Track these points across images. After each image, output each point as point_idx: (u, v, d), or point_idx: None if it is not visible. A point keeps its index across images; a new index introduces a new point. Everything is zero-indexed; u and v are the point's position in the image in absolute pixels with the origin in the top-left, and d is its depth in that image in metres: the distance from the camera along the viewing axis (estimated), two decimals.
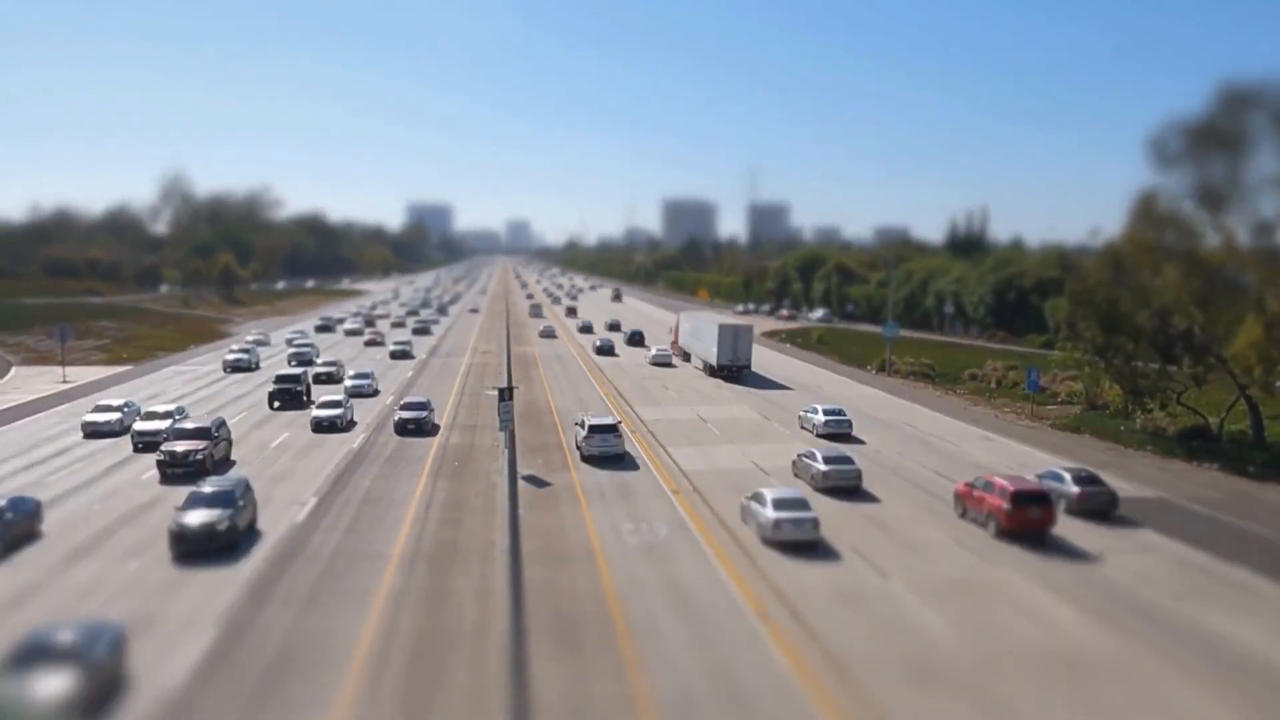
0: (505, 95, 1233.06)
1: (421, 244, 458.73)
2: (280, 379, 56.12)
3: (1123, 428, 49.13)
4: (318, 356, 77.85)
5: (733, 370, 70.29)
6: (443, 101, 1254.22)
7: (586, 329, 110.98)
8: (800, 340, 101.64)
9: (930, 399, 62.50)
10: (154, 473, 36.85)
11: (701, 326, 77.37)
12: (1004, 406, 58.84)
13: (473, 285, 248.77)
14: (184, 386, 64.57)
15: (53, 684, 17.28)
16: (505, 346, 74.76)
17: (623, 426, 45.00)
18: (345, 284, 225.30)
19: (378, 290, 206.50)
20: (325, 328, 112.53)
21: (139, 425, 43.40)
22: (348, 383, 60.20)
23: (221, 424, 40.93)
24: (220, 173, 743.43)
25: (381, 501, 33.84)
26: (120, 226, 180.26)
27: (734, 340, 70.59)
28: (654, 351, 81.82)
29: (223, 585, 25.01)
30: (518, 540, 26.49)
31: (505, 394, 39.22)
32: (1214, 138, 42.38)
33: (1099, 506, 33.16)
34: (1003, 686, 19.78)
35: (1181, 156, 43.11)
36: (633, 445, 43.76)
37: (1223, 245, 43.56)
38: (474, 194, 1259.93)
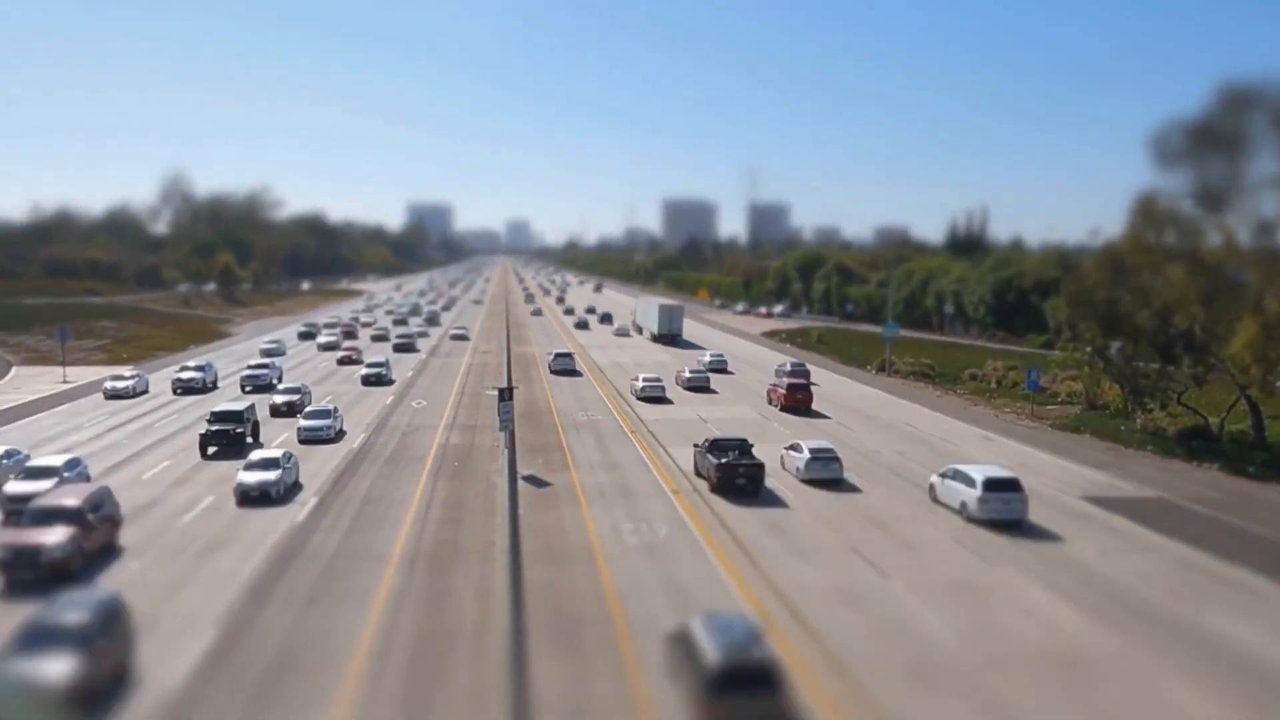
0: (505, 95, 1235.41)
1: (421, 244, 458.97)
2: (216, 416, 42.92)
3: (1123, 428, 49.13)
4: (279, 380, 63.43)
5: (668, 338, 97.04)
6: (443, 101, 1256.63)
7: (569, 311, 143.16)
8: (800, 340, 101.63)
9: (930, 399, 62.50)
10: None
11: (648, 308, 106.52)
12: (1004, 406, 58.85)
13: (470, 289, 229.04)
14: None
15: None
16: (505, 347, 74.84)
17: (577, 355, 79.48)
18: (344, 284, 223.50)
19: (378, 291, 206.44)
20: (309, 334, 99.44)
21: (11, 486, 32.07)
22: (301, 423, 45.08)
23: (101, 501, 27.90)
24: (220, 173, 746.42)
25: (381, 501, 33.84)
26: (120, 227, 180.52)
27: (669, 316, 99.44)
28: (616, 325, 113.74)
29: (223, 585, 25.02)
30: (518, 540, 26.49)
31: (505, 394, 39.24)
32: (1214, 138, 42.40)
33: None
34: (1002, 685, 19.78)
35: (1181, 156, 43.16)
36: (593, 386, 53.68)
37: (1223, 245, 43.57)
38: (474, 194, 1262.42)
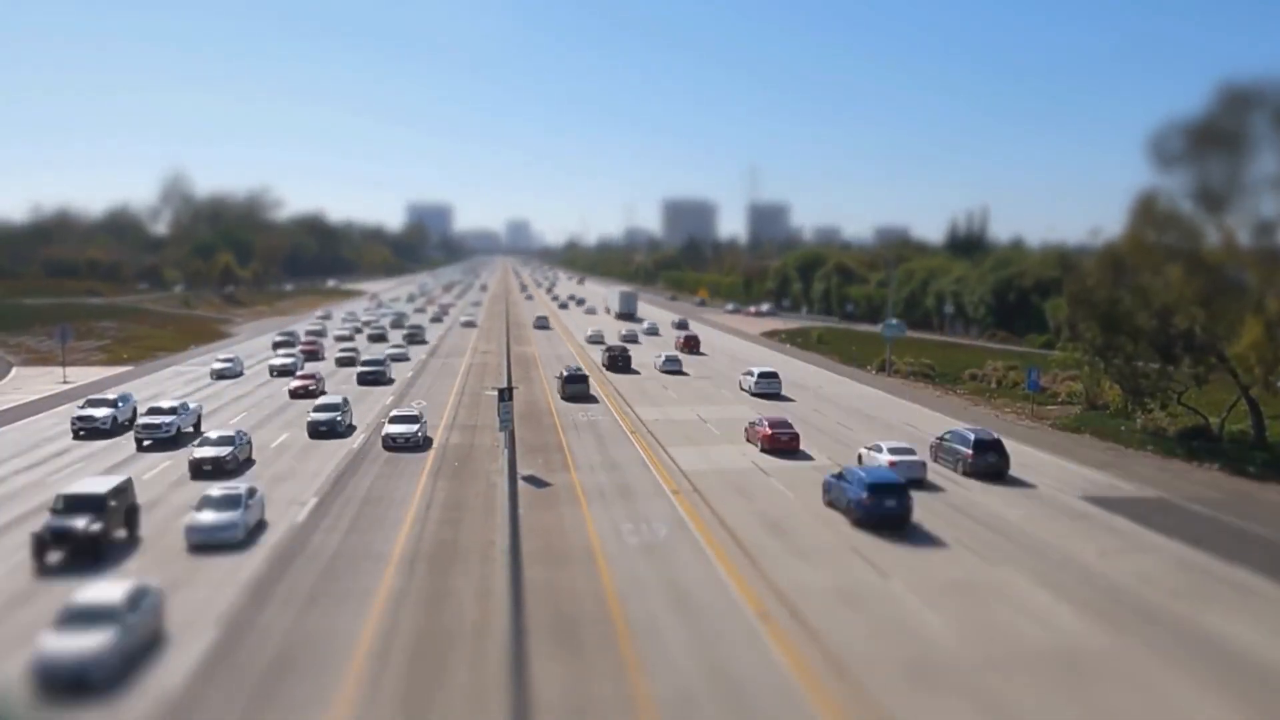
0: (505, 95, 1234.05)
1: (421, 244, 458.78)
2: (63, 505, 27.48)
3: (1123, 428, 49.13)
4: (193, 426, 46.04)
5: (625, 314, 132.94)
6: (443, 101, 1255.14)
7: (555, 299, 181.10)
8: (800, 340, 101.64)
9: (930, 399, 62.49)
10: None
11: (613, 294, 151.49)
12: (1004, 406, 58.85)
13: (466, 292, 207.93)
14: None
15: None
16: (505, 347, 74.89)
17: (552, 319, 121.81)
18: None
19: (378, 290, 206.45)
20: (286, 343, 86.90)
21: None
22: (190, 520, 28.74)
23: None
24: (220, 173, 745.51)
25: (382, 501, 33.85)
26: (120, 227, 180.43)
27: (626, 300, 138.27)
28: (586, 306, 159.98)
29: (223, 585, 25.03)
30: (518, 540, 26.53)
31: (505, 394, 39.25)
32: (1214, 138, 42.38)
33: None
34: (1002, 686, 19.77)
35: (1182, 156, 43.15)
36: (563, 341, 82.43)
37: (1223, 245, 43.57)
38: (474, 194, 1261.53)
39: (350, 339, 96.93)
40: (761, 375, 63.39)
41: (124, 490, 29.17)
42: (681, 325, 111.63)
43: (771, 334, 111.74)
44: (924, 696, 19.29)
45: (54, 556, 26.57)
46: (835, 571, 26.93)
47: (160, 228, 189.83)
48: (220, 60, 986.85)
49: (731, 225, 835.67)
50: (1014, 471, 38.94)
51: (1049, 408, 57.39)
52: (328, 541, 29.09)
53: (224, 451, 37.67)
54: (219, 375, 68.18)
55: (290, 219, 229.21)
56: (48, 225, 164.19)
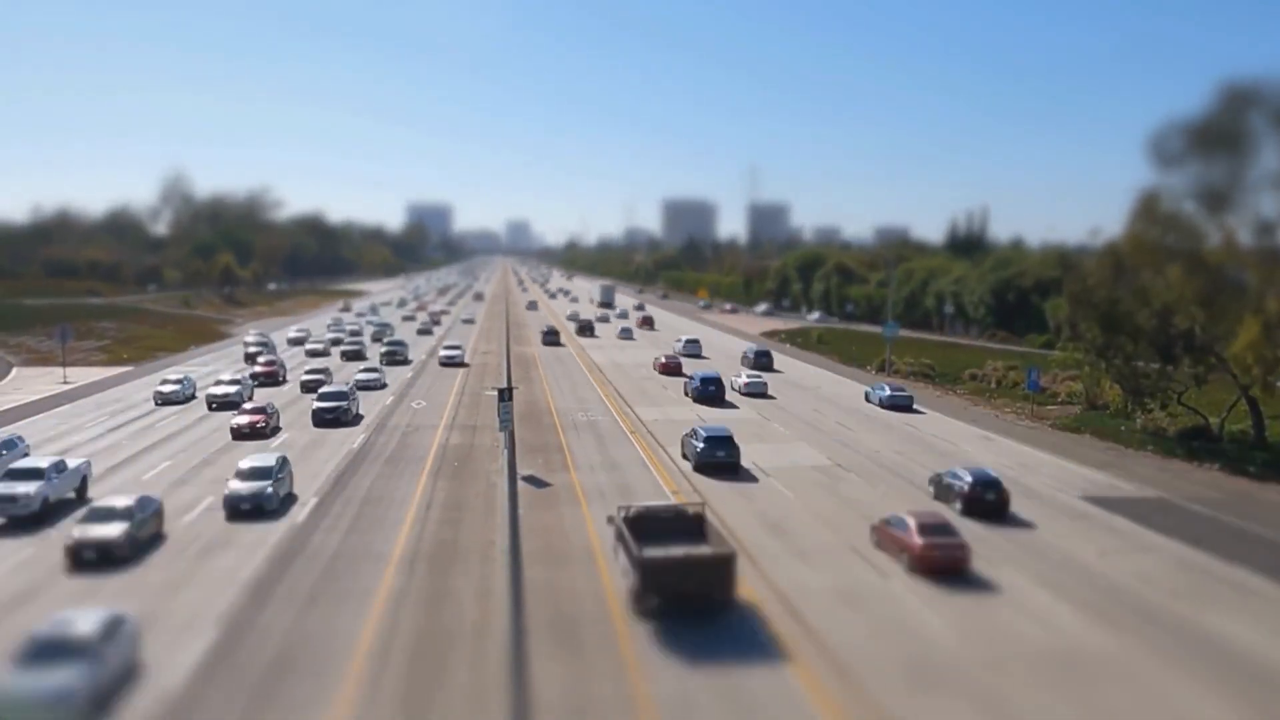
0: (505, 95, 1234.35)
1: (421, 244, 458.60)
2: None
3: (1123, 428, 49.13)
4: (75, 486, 33.77)
5: (605, 303, 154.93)
6: (442, 102, 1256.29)
7: (547, 291, 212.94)
8: (800, 340, 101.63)
9: (930, 399, 62.48)
10: None
11: (595, 286, 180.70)
12: (1004, 406, 58.85)
13: (464, 294, 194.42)
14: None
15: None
16: (505, 348, 74.89)
17: (541, 304, 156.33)
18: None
19: (378, 291, 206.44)
20: (255, 356, 76.07)
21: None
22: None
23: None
24: (220, 173, 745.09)
25: (381, 501, 33.84)
26: (121, 227, 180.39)
27: (606, 291, 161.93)
28: (572, 295, 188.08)
29: (223, 585, 25.02)
30: (518, 540, 26.51)
31: (505, 394, 39.25)
32: (1215, 137, 42.35)
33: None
34: (1002, 686, 19.77)
35: (1183, 156, 43.13)
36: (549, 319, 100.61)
37: (1223, 245, 43.56)
38: (474, 194, 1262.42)
39: (324, 353, 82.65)
40: (688, 341, 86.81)
41: None
42: (640, 308, 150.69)
43: (771, 334, 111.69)
44: (924, 697, 19.29)
45: None
46: (835, 571, 26.92)
47: (160, 228, 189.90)
48: (220, 60, 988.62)
49: (731, 225, 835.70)
50: (1014, 472, 38.88)
51: (1049, 408, 57.39)
52: (328, 541, 29.08)
53: (114, 532, 26.60)
54: (164, 400, 55.58)
55: (290, 219, 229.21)
56: (48, 225, 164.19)
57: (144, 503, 28.72)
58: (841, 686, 19.64)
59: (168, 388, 56.77)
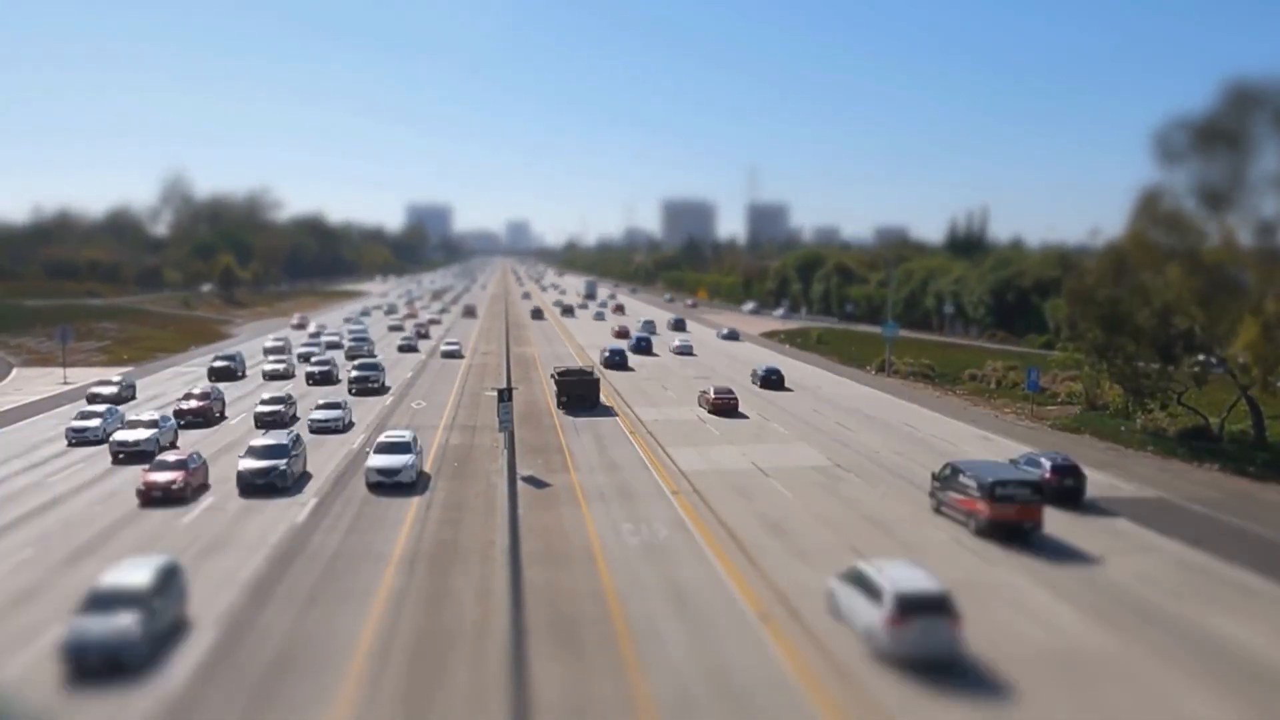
0: (505, 96, 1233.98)
1: (421, 245, 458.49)
2: None
3: (1123, 428, 49.12)
4: None
5: (588, 295, 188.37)
6: (442, 102, 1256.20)
7: (540, 285, 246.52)
8: (800, 340, 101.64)
9: (930, 399, 62.49)
10: None
11: (581, 281, 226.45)
12: (1004, 407, 58.84)
13: (460, 298, 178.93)
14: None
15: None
16: (505, 348, 74.92)
17: (534, 294, 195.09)
18: (348, 287, 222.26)
19: (377, 291, 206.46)
20: (223, 372, 66.22)
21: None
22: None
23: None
24: (220, 174, 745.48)
25: (381, 501, 33.84)
26: (121, 228, 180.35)
27: (590, 285, 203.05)
28: (560, 288, 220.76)
29: (224, 585, 25.02)
30: (518, 540, 26.51)
31: (505, 395, 39.26)
32: (1218, 136, 42.33)
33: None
34: (1002, 686, 19.76)
35: (1185, 154, 43.08)
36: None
37: (1223, 245, 43.56)
38: (473, 195, 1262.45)
39: (285, 375, 68.08)
40: (645, 321, 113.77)
41: None
42: (613, 297, 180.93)
43: (771, 334, 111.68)
44: (924, 698, 19.28)
45: None
46: (835, 572, 26.91)
47: (160, 228, 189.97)
48: (220, 60, 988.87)
49: (731, 225, 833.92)
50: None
51: (1049, 408, 57.38)
52: (328, 541, 29.09)
53: None
54: (77, 438, 43.53)
55: (290, 220, 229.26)
56: (48, 226, 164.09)
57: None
58: (842, 686, 19.63)
59: (85, 422, 44.30)
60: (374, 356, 76.54)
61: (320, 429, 46.69)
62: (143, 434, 41.06)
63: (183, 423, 47.40)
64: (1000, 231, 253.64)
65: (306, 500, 33.83)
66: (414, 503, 33.71)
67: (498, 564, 25.90)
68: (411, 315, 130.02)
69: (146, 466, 34.91)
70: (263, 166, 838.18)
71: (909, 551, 28.87)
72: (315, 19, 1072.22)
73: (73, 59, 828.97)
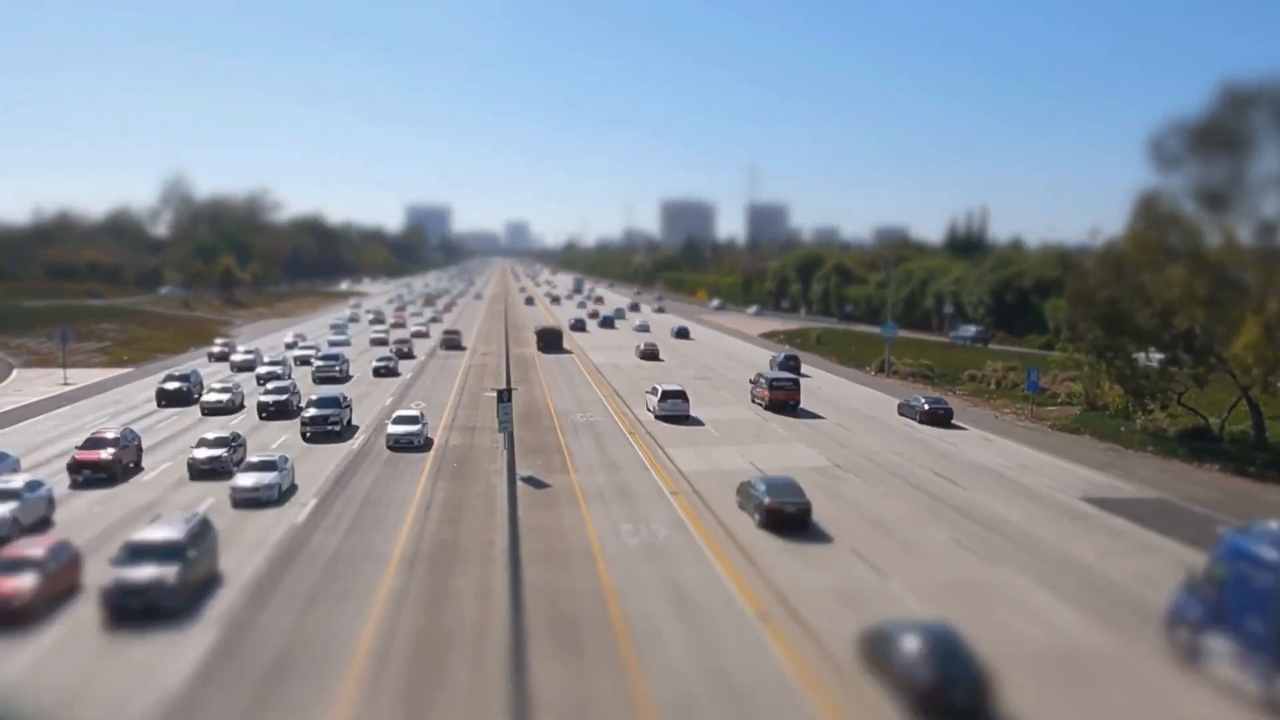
0: (505, 95, 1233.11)
1: (421, 246, 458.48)
2: None
3: (1123, 428, 49.13)
4: None
5: (576, 290, 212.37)
6: (442, 102, 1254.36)
7: (535, 282, 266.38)
8: (799, 341, 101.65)
9: None
10: None
11: (570, 279, 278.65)
12: (1004, 407, 58.86)
13: (453, 305, 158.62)
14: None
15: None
16: (504, 349, 74.93)
17: (529, 289, 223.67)
18: (345, 287, 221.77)
19: (377, 292, 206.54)
20: (175, 396, 54.72)
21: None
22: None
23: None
24: (220, 175, 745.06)
25: (381, 502, 33.87)
26: (121, 229, 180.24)
27: (578, 281, 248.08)
28: (552, 284, 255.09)
29: (224, 585, 25.04)
30: (517, 540, 26.55)
31: (504, 395, 39.29)
32: (1216, 137, 42.34)
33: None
34: (1002, 686, 19.77)
35: (1183, 156, 43.08)
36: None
37: (1223, 245, 43.57)
38: (473, 195, 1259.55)
39: (228, 408, 51.97)
40: (616, 308, 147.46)
41: None
42: (593, 290, 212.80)
43: (770, 334, 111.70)
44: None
45: None
46: (834, 572, 26.94)
47: (160, 229, 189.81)
48: (220, 60, 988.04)
49: (730, 226, 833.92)
50: (1016, 473, 38.78)
51: (1048, 408, 57.39)
52: (328, 542, 29.10)
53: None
54: None
55: (290, 220, 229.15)
56: (48, 227, 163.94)
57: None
58: (841, 687, 19.64)
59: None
60: (347, 376, 65.70)
61: (245, 501, 32.59)
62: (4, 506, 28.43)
63: (80, 478, 34.97)
64: (1000, 231, 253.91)
65: (306, 501, 33.85)
66: (414, 503, 33.73)
67: (498, 564, 25.92)
68: (399, 325, 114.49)
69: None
70: (263, 167, 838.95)
71: (908, 551, 28.94)
72: (315, 19, 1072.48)
73: (73, 59, 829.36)
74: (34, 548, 24.13)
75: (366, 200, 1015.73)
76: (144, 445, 40.74)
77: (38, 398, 59.09)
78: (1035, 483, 38.29)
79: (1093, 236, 54.20)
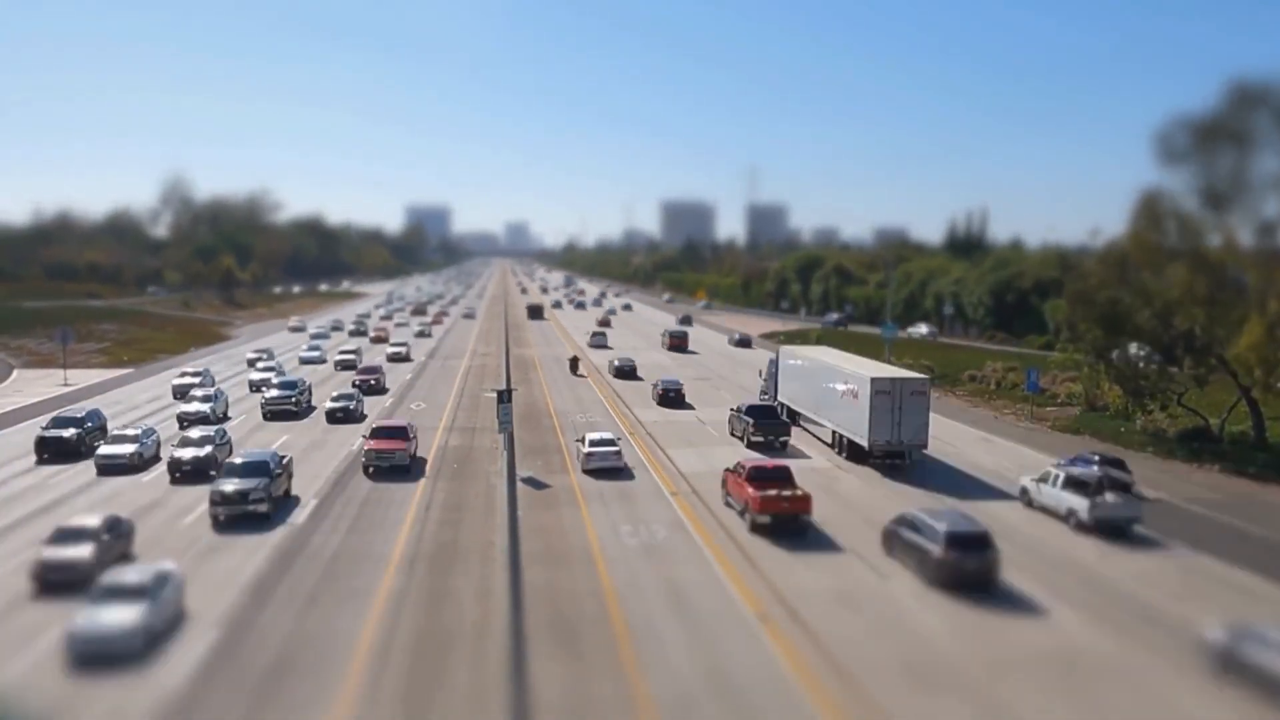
0: (504, 97, 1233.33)
1: (420, 246, 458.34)
2: None
3: (1123, 429, 49.12)
4: None
5: (566, 285, 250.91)
6: (442, 102, 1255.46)
7: (532, 280, 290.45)
8: (799, 341, 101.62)
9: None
10: None
11: (562, 276, 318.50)
12: (1003, 408, 58.84)
13: (446, 315, 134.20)
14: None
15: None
16: (504, 349, 74.92)
17: (526, 284, 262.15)
18: (344, 287, 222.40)
19: (376, 293, 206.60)
20: (62, 447, 40.17)
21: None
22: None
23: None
24: (220, 175, 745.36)
25: (381, 502, 33.86)
26: (121, 229, 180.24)
27: (569, 279, 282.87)
28: (548, 283, 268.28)
29: (224, 586, 25.04)
30: (517, 541, 26.54)
31: (504, 396, 39.29)
32: (1220, 135, 42.26)
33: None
34: (1002, 687, 19.78)
35: (1187, 153, 42.98)
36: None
37: (1225, 244, 43.55)
38: (473, 196, 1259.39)
39: (132, 465, 37.82)
40: (595, 296, 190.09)
41: None
42: (576, 284, 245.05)
43: (770, 335, 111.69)
44: (923, 698, 19.30)
45: None
46: (834, 573, 26.94)
47: (160, 230, 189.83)
48: (220, 60, 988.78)
49: (730, 226, 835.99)
50: (1017, 474, 38.78)
51: (1048, 409, 57.37)
52: (328, 542, 29.10)
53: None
54: None
55: (290, 221, 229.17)
56: (48, 227, 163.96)
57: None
58: (841, 687, 19.65)
59: None
60: (308, 408, 52.71)
61: (87, 651, 20.23)
62: None
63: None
64: (1000, 232, 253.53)
65: (306, 502, 33.83)
66: (414, 504, 33.72)
67: (497, 564, 25.91)
68: (381, 339, 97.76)
69: None
70: (263, 167, 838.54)
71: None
72: (315, 19, 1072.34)
73: (73, 59, 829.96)
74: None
75: (366, 200, 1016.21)
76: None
77: (38, 398, 59.08)
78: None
79: (1093, 237, 54.38)
